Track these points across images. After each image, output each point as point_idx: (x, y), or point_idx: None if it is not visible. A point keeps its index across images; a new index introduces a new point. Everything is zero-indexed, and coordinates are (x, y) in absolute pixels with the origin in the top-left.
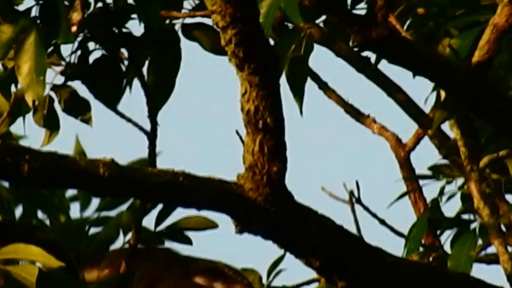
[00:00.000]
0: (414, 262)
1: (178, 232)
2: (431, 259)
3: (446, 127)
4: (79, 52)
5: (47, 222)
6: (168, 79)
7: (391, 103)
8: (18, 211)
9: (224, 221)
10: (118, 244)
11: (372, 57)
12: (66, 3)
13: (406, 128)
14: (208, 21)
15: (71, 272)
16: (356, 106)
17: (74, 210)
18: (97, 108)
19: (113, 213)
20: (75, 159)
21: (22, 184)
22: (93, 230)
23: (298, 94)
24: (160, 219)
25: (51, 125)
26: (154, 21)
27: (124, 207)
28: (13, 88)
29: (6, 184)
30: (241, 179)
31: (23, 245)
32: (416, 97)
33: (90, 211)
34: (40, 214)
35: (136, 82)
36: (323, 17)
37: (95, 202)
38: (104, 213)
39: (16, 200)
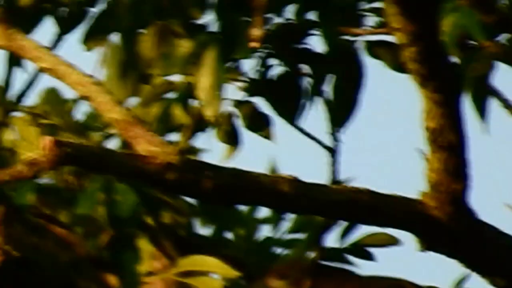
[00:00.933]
0: None
1: (361, 249)
2: None
3: None
4: (260, 68)
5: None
6: (349, 97)
7: None
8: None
9: (407, 237)
10: None
11: None
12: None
13: None
14: (390, 38)
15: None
16: None
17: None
18: (278, 123)
19: (303, 236)
20: (257, 176)
21: (203, 200)
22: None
23: (480, 112)
24: (343, 236)
25: (233, 140)
26: (334, 37)
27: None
28: (193, 103)
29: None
30: (424, 197)
31: (201, 257)
32: None
33: (281, 233)
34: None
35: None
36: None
37: (286, 224)
38: (293, 236)
39: (203, 216)
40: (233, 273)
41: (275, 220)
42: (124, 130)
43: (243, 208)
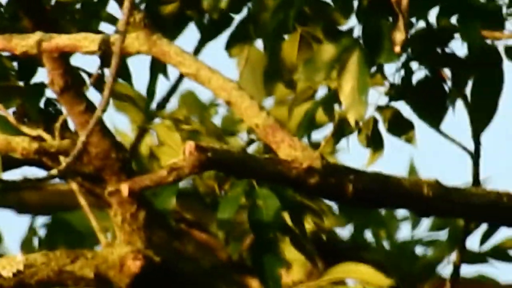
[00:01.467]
0: None
1: (502, 252)
2: None
3: None
4: (402, 72)
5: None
6: (490, 101)
7: None
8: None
9: None
10: (443, 265)
11: None
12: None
13: None
14: None
15: None
16: None
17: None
18: (420, 128)
19: (442, 233)
20: (399, 180)
21: (345, 204)
22: (421, 250)
23: None
24: (484, 239)
25: (376, 145)
26: (475, 41)
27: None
28: (336, 108)
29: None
30: None
31: (353, 264)
32: None
33: (420, 231)
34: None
35: (459, 102)
36: None
37: (425, 222)
38: (433, 234)
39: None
40: (387, 281)
41: (414, 219)
42: (266, 135)
43: None
